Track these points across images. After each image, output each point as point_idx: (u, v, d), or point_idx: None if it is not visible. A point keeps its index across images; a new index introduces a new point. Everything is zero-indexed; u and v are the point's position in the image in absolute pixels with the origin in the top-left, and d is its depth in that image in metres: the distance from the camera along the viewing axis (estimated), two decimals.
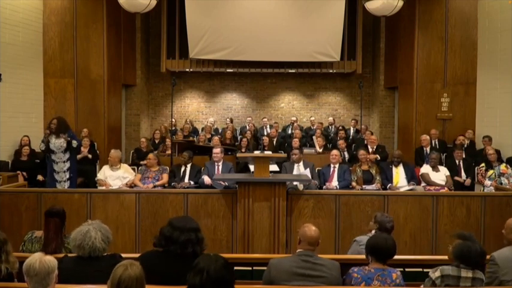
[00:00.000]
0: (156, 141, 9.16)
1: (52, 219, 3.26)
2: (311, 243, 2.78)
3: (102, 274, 2.06)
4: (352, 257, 3.39)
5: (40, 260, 2.17)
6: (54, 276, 2.21)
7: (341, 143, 8.02)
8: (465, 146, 8.17)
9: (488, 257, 2.83)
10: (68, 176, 6.04)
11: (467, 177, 6.90)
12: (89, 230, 2.67)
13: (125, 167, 6.25)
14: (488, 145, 7.48)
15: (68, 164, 6.05)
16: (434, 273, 2.65)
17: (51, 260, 2.21)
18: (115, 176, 6.06)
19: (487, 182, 6.23)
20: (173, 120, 10.48)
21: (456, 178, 6.76)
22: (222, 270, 2.07)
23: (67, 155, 6.04)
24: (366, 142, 8.08)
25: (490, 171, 6.31)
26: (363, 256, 2.98)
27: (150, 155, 6.47)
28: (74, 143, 6.02)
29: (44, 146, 6.11)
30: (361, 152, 6.32)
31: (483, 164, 6.60)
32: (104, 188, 5.87)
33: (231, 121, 10.66)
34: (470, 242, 2.65)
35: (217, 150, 6.31)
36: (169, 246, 2.61)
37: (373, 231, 3.43)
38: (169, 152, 7.85)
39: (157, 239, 2.69)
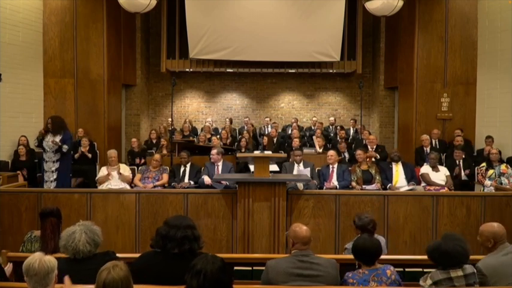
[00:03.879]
0: (154, 141, 9.15)
1: (47, 219, 3.27)
2: (305, 242, 2.79)
3: (95, 272, 2.05)
4: (352, 257, 3.37)
5: (40, 259, 2.17)
6: (54, 276, 2.21)
7: (341, 146, 8.02)
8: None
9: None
10: (54, 177, 6.00)
11: (467, 177, 6.91)
12: (74, 232, 2.62)
13: (123, 166, 6.27)
14: (491, 145, 7.48)
15: (56, 165, 6.03)
16: (426, 282, 2.58)
17: (51, 260, 2.21)
18: (115, 176, 6.07)
19: (487, 182, 6.22)
20: (170, 120, 10.47)
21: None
22: (219, 273, 2.07)
23: (57, 156, 6.03)
24: (364, 142, 8.08)
25: (490, 171, 6.30)
26: None
27: (157, 156, 6.46)
28: (65, 148, 5.97)
29: (37, 143, 6.10)
30: (358, 152, 6.33)
31: (483, 164, 6.58)
32: (105, 184, 5.88)
33: (230, 121, 10.64)
34: (459, 242, 2.58)
35: (213, 152, 6.31)
36: (166, 244, 2.60)
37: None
38: (165, 152, 7.85)
39: (154, 239, 2.68)
